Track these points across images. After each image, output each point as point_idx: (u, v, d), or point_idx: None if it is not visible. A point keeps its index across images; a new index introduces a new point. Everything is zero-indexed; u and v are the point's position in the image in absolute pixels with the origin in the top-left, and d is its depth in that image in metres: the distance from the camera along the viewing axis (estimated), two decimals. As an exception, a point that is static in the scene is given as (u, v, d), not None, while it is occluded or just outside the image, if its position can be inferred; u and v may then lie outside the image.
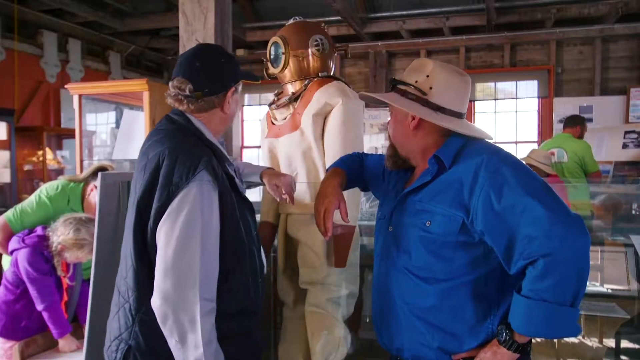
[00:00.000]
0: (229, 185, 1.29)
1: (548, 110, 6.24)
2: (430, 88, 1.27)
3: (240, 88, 1.44)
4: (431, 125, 1.29)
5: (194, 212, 1.19)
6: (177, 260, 1.19)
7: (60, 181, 2.49)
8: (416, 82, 1.28)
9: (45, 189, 2.44)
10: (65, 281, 2.34)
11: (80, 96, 3.18)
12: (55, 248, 2.21)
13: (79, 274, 2.45)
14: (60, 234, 2.20)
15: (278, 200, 1.72)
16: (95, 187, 2.42)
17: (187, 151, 1.26)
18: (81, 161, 3.24)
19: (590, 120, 5.91)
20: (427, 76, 1.28)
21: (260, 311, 1.43)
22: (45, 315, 2.21)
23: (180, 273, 1.19)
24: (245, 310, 1.34)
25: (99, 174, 2.00)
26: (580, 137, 4.31)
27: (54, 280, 2.28)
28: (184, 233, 1.19)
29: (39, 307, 2.20)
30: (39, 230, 2.28)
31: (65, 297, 2.38)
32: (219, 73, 1.33)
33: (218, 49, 1.42)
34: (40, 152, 5.37)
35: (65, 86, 3.32)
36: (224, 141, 1.62)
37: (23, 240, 2.25)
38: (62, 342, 2.24)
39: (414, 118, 1.29)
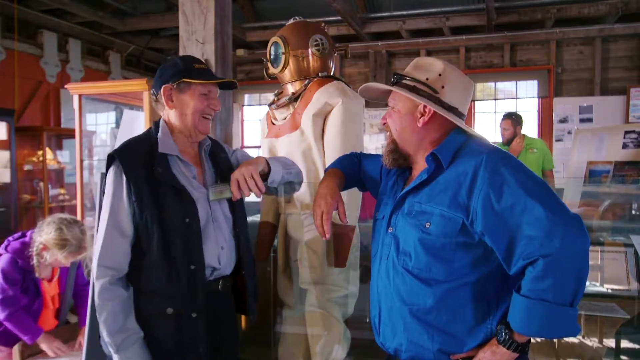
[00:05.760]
0: (146, 174, 1.46)
1: (548, 110, 6.24)
2: (443, 87, 1.27)
3: (184, 87, 1.51)
4: (438, 123, 1.29)
5: (108, 193, 1.47)
6: (97, 234, 1.48)
7: None
8: (427, 79, 1.28)
9: None
10: (45, 285, 2.27)
11: (80, 96, 3.17)
12: (37, 248, 2.15)
13: (70, 280, 2.40)
14: (44, 233, 2.15)
15: (239, 197, 1.52)
16: None
17: (121, 144, 1.53)
18: (81, 161, 3.24)
19: (590, 120, 5.91)
20: (440, 75, 1.28)
21: (186, 300, 1.45)
22: (8, 325, 2.15)
23: (96, 243, 1.47)
24: (157, 293, 1.45)
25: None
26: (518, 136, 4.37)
27: (33, 287, 2.22)
28: (103, 211, 1.47)
29: (0, 316, 2.14)
30: (27, 235, 2.23)
31: (57, 304, 2.35)
32: (157, 76, 1.57)
33: (175, 58, 1.59)
34: (40, 152, 5.36)
35: (65, 86, 3.31)
36: (209, 140, 1.62)
37: (7, 247, 2.20)
38: (42, 345, 2.19)
39: (422, 114, 1.28)
